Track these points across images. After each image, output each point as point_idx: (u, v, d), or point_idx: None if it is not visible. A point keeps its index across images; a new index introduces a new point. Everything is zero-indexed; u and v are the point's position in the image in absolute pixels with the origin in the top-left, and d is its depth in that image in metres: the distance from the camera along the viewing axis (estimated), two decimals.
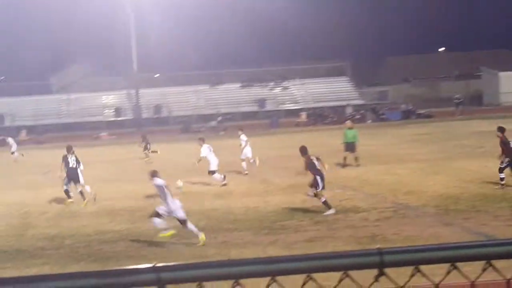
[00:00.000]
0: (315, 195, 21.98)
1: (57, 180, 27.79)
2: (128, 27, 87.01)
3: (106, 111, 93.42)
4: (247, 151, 34.22)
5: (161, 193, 19.03)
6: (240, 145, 34.65)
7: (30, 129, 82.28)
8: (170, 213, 18.63)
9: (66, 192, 26.43)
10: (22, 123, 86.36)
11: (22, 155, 50.49)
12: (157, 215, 18.75)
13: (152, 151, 42.91)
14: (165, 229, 18.75)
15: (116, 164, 40.87)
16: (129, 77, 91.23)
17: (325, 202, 21.76)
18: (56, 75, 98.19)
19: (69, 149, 27.17)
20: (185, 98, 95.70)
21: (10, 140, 54.86)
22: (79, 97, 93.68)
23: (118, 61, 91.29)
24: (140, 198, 26.83)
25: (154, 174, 19.59)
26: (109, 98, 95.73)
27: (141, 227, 21.16)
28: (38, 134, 78.07)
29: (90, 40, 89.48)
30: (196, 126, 79.61)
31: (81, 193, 26.44)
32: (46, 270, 15.66)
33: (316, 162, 22.56)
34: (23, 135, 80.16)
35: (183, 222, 18.54)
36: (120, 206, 25.57)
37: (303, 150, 23.15)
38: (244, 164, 33.59)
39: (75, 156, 27.11)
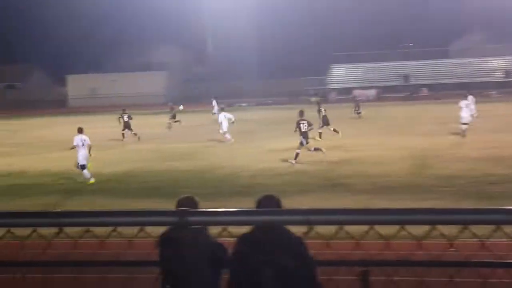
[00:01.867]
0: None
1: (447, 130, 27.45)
2: None
3: (495, 73, 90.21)
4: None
5: (82, 145, 22.28)
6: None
7: (430, 87, 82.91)
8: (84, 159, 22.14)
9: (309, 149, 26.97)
10: (423, 82, 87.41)
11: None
12: (83, 167, 22.04)
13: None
14: (90, 177, 21.82)
15: (500, 118, 39.28)
16: None
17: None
18: (454, 42, 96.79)
19: (301, 114, 26.21)
20: None
21: (214, 101, 52.28)
22: (472, 61, 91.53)
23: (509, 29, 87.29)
24: None
25: (80, 130, 22.75)
26: (498, 62, 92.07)
27: None
28: (435, 91, 77.90)
29: (480, 10, 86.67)
30: None
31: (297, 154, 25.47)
32: (439, 204, 15.58)
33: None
34: (424, 92, 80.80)
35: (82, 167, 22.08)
36: (507, 153, 24.43)
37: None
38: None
39: (307, 121, 26.15)
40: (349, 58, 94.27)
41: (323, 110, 34.07)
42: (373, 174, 21.26)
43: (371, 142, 30.84)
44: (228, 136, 33.75)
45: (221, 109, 36.32)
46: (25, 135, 43.40)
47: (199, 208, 5.46)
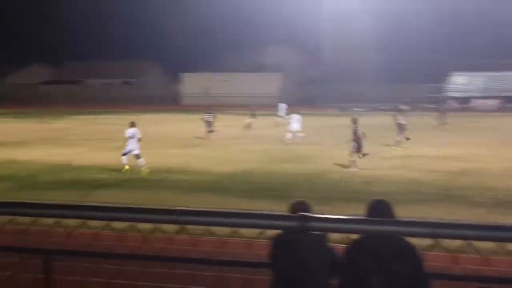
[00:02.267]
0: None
1: None
2: None
3: None
4: None
5: (133, 137, 25.02)
6: None
7: None
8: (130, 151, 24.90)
9: (363, 155, 26.11)
10: None
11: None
12: (124, 154, 24.99)
13: None
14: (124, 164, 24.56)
15: None
16: None
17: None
18: None
19: (355, 121, 26.80)
20: None
21: (282, 106, 52.21)
22: None
23: None
24: None
25: (132, 125, 25.49)
26: None
27: None
28: None
29: None
30: None
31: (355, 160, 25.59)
32: None
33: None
34: None
35: (136, 156, 24.77)
36: None
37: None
38: None
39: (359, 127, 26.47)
40: (471, 66, 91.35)
41: (400, 118, 34.40)
42: (493, 187, 20.54)
43: (492, 153, 29.83)
44: (289, 135, 35.87)
45: (295, 112, 38.26)
46: (139, 130, 44.93)
47: (312, 213, 5.48)
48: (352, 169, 24.91)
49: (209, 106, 43.84)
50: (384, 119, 55.27)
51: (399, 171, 24.42)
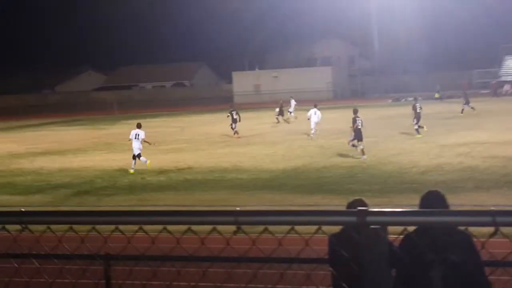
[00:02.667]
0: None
1: None
2: None
3: None
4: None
5: (136, 138, 25.93)
6: None
7: None
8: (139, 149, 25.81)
9: (353, 145, 26.76)
10: None
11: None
12: (139, 155, 25.75)
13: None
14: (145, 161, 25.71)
15: None
16: None
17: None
18: None
19: (356, 111, 27.30)
20: None
21: (292, 102, 52.56)
22: None
23: None
24: None
25: (139, 125, 26.40)
26: None
27: None
28: None
29: None
30: None
31: (362, 150, 25.81)
32: None
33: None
34: None
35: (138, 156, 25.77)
36: None
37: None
38: None
39: (361, 119, 26.73)
40: None
41: (418, 106, 34.53)
42: None
43: None
44: (313, 131, 35.54)
45: (314, 105, 37.83)
46: (192, 131, 45.35)
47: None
48: (364, 157, 25.28)
49: (232, 104, 44.34)
50: (437, 108, 54.64)
51: (456, 159, 24.07)
